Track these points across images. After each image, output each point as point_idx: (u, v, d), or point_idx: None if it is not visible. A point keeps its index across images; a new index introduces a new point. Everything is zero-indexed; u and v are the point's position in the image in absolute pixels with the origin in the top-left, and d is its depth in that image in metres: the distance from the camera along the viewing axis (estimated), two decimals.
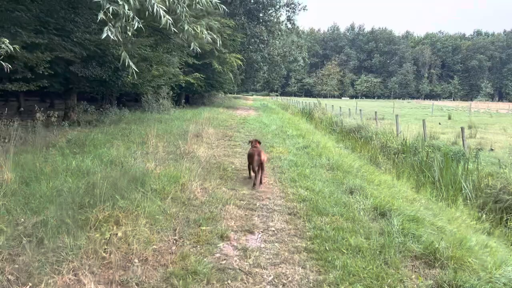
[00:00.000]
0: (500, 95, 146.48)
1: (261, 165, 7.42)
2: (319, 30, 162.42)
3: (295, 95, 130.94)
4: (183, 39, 4.37)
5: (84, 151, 10.00)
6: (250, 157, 7.70)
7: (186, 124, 16.89)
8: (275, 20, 37.82)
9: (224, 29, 29.38)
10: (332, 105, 32.44)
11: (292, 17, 40.19)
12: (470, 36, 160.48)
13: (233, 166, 9.12)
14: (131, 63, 6.04)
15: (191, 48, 4.69)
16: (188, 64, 28.51)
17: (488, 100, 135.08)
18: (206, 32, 4.42)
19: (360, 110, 25.29)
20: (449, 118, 33.44)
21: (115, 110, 20.67)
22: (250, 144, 8.76)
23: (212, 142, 12.57)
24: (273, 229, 5.13)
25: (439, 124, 21.38)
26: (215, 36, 4.68)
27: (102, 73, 15.01)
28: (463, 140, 12.90)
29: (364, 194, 6.84)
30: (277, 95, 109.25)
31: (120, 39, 5.25)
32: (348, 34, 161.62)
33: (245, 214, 5.64)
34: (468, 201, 8.28)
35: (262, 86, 66.73)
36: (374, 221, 5.63)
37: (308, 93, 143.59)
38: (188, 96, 40.86)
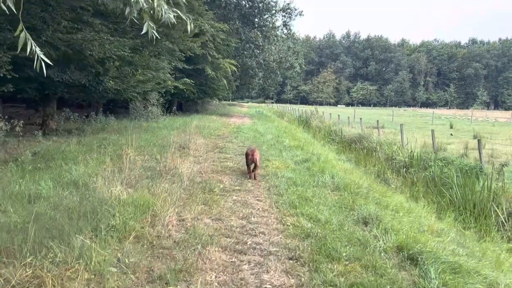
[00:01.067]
0: (496, 104, 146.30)
1: (254, 163, 8.90)
2: (314, 37, 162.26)
3: (291, 103, 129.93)
4: (132, 17, 2.67)
5: (50, 166, 8.61)
6: (248, 156, 9.09)
7: (173, 133, 15.51)
8: (271, 25, 36.67)
9: (217, 34, 28.18)
10: (330, 113, 31.22)
11: (288, 22, 39.12)
12: (465, 45, 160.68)
13: (221, 186, 7.73)
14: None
15: (143, 31, 3.18)
16: (179, 69, 27.20)
17: (484, 109, 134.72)
18: (165, 7, 2.96)
19: (361, 118, 24.05)
20: (451, 127, 32.28)
21: (100, 118, 19.29)
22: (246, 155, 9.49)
23: (200, 155, 11.18)
24: (269, 287, 3.74)
25: (451, 135, 19.99)
26: (183, 16, 3.19)
27: (82, 77, 13.63)
28: (480, 154, 11.62)
29: (381, 225, 5.48)
30: (272, 102, 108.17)
31: None
32: (343, 41, 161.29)
33: (231, 261, 4.23)
34: (503, 230, 6.94)
35: (258, 93, 65.56)
36: (402, 269, 4.27)
37: (304, 101, 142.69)
38: (181, 103, 39.49)
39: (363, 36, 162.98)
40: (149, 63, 15.65)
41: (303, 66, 52.60)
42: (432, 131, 14.45)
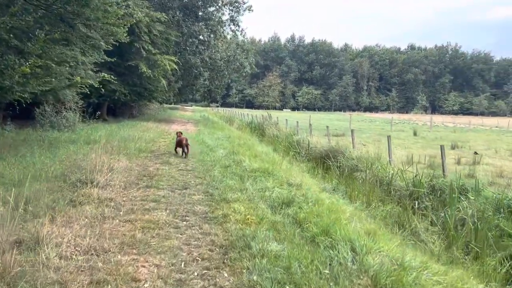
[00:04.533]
0: (433, 108, 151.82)
1: (186, 146, 12.36)
2: (260, 40, 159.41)
3: (236, 106, 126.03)
4: None
5: None
6: (180, 142, 12.65)
7: (83, 151, 10.79)
8: (217, 19, 32.34)
9: (153, 24, 23.50)
10: (286, 119, 27.46)
11: (236, 17, 34.96)
12: (405, 50, 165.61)
13: None
14: None
15: None
16: (107, 66, 22.15)
17: (422, 113, 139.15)
18: None
19: (327, 127, 20.44)
20: (415, 134, 29.76)
21: None
22: (177, 135, 13.32)
23: (111, 197, 6.66)
24: None
25: (475, 153, 16.73)
26: None
27: None
28: None
29: None
30: (217, 106, 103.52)
31: None
32: (288, 45, 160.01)
33: None
34: None
35: (202, 96, 60.76)
36: None
37: (250, 104, 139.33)
38: (113, 107, 34.03)
39: (308, 40, 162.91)
40: (47, 51, 10.80)
41: (254, 66, 48.50)
42: (442, 147, 10.90)
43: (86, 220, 5.31)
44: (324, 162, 14.20)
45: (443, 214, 7.92)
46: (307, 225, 5.59)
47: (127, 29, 14.52)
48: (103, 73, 13.92)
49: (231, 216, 5.93)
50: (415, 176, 9.94)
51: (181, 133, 13.40)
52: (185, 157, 12.04)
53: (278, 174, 9.37)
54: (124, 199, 6.69)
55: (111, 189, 7.18)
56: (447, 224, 7.27)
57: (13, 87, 10.17)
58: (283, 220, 5.85)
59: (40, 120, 17.09)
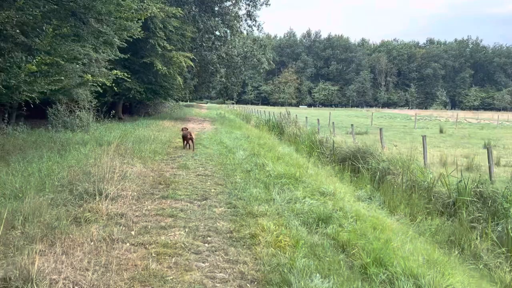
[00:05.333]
0: (453, 104, 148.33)
1: (191, 139, 13.26)
2: (275, 36, 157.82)
3: (252, 103, 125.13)
4: None
5: None
6: (185, 136, 13.45)
7: (95, 155, 10.03)
8: (233, 14, 31.41)
9: (169, 20, 22.72)
10: (306, 117, 26.43)
11: (253, 12, 33.95)
12: (423, 45, 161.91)
13: None
14: None
15: None
16: (120, 63, 21.52)
17: (442, 109, 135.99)
18: None
19: (352, 125, 19.38)
20: (441, 131, 28.41)
21: (3, 128, 13.57)
22: (182, 131, 14.06)
23: (122, 211, 5.83)
24: None
25: None
26: None
27: None
28: None
29: None
30: (233, 103, 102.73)
31: None
32: (304, 40, 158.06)
33: None
34: None
35: (218, 93, 60.01)
36: None
37: (265, 101, 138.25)
38: (128, 106, 33.53)
39: (324, 35, 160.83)
40: (55, 48, 10.06)
41: (271, 62, 47.30)
42: (489, 149, 9.77)
43: (92, 244, 4.49)
44: (351, 163, 13.20)
45: (500, 228, 6.92)
46: (352, 250, 4.66)
47: (141, 24, 13.74)
48: (115, 71, 13.12)
49: (260, 237, 5.04)
50: (459, 182, 8.89)
51: (186, 129, 14.24)
52: (192, 150, 13.10)
53: (306, 181, 8.45)
54: (136, 214, 5.86)
55: (122, 201, 6.36)
56: (509, 241, 6.26)
57: (20, 86, 9.45)
58: (322, 242, 4.93)
59: (53, 120, 16.46)
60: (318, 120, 22.71)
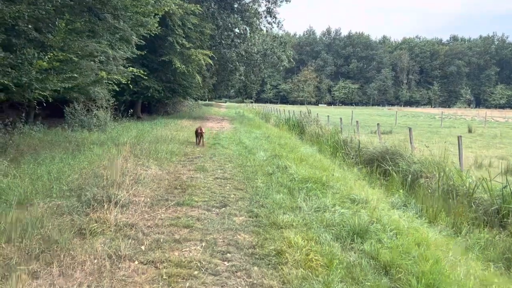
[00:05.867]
0: (478, 102, 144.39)
1: (201, 134, 13.70)
2: (294, 34, 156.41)
3: (271, 102, 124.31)
4: None
5: None
6: (195, 132, 14.04)
7: (110, 155, 9.53)
8: (253, 11, 30.76)
9: (188, 17, 22.25)
10: (328, 116, 25.59)
11: (273, 9, 33.23)
12: (447, 42, 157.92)
13: None
14: None
15: None
16: (138, 61, 21.16)
17: (465, 107, 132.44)
18: None
19: (378, 124, 18.47)
20: (470, 131, 27.17)
21: (21, 127, 13.28)
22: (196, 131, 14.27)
23: (133, 222, 5.25)
24: None
25: None
26: None
27: None
28: None
29: None
30: (251, 102, 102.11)
31: None
32: (324, 38, 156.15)
33: None
34: None
35: (237, 91, 59.50)
36: None
37: (284, 100, 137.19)
38: (147, 105, 33.27)
39: (344, 33, 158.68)
40: (69, 44, 9.60)
41: (292, 60, 46.41)
42: None
43: (95, 262, 3.92)
44: (379, 165, 12.39)
45: None
46: (398, 274, 3.96)
47: (158, 20, 13.24)
48: (131, 68, 12.64)
49: (287, 254, 4.39)
50: (504, 187, 8.05)
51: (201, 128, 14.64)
52: (203, 145, 13.67)
53: (334, 186, 7.74)
54: (148, 223, 5.28)
55: (134, 208, 5.80)
56: None
57: (32, 84, 9.02)
58: (360, 262, 4.24)
59: (70, 120, 16.15)
60: (341, 119, 21.85)
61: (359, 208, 6.32)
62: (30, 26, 9.24)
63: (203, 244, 4.66)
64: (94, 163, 8.63)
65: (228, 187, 7.75)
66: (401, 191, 9.27)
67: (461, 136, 11.48)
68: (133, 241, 4.59)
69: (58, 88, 10.04)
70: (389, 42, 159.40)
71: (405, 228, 5.54)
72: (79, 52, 10.08)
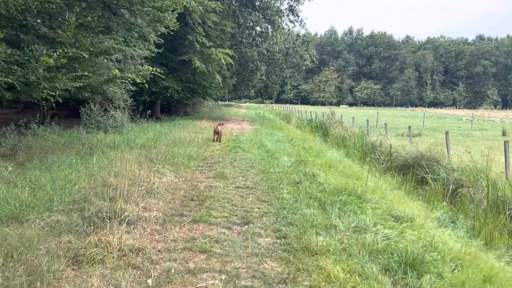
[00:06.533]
0: (505, 103, 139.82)
1: (219, 132, 14.66)
2: (316, 34, 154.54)
3: (291, 103, 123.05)
4: None
5: None
6: (215, 129, 14.81)
7: (122, 159, 8.80)
8: (275, 9, 29.87)
9: (208, 15, 21.56)
10: (353, 117, 24.50)
11: (295, 7, 32.27)
12: (472, 41, 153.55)
13: None
14: None
15: None
16: (157, 60, 20.59)
17: (492, 108, 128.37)
18: None
19: (409, 127, 17.36)
20: (504, 134, 25.65)
21: (35, 128, 12.81)
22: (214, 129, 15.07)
23: (141, 247, 4.45)
24: None
25: None
26: None
27: None
28: None
29: None
30: (271, 103, 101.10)
31: None
32: (346, 38, 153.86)
33: None
34: None
35: (257, 92, 58.63)
36: None
37: (305, 101, 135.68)
38: (166, 105, 32.78)
39: (366, 32, 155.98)
40: (80, 40, 8.93)
41: (315, 59, 45.25)
42: None
43: None
44: (411, 172, 11.35)
45: None
46: None
47: (176, 15, 12.52)
48: (146, 66, 11.94)
49: None
50: None
51: (222, 124, 15.92)
52: (219, 141, 14.67)
53: (372, 199, 6.79)
54: (158, 247, 4.47)
55: (143, 226, 5.02)
56: None
57: (40, 82, 8.37)
58: None
59: (86, 120, 15.60)
60: (367, 121, 20.80)
61: (404, 227, 5.38)
62: (39, 20, 8.63)
63: (223, 277, 3.82)
64: (105, 169, 7.91)
65: (250, 199, 6.91)
66: (444, 203, 8.27)
67: (507, 142, 10.34)
68: (138, 273, 3.78)
69: (69, 88, 9.39)
70: (412, 41, 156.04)
71: (463, 255, 4.59)
72: (92, 49, 9.40)
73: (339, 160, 12.05)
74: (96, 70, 10.38)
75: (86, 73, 8.97)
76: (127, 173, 7.23)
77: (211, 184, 7.82)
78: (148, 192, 6.48)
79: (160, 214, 5.56)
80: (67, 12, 8.56)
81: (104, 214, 4.96)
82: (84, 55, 8.64)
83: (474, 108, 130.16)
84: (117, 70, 9.39)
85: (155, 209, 5.77)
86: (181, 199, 6.54)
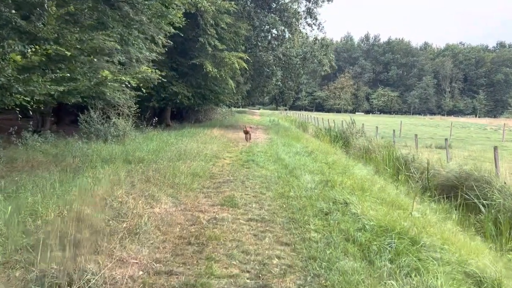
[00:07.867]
0: None
1: (248, 134, 17.67)
2: (332, 40, 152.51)
3: (306, 109, 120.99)
4: None
5: None
6: (246, 131, 17.83)
7: (111, 180, 7.23)
8: (292, 11, 28.30)
9: (221, 16, 20.07)
10: (377, 127, 22.65)
11: (313, 9, 30.63)
12: (493, 48, 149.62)
13: None
14: None
15: None
16: (167, 64, 19.15)
17: None
18: None
19: (446, 139, 15.48)
20: None
21: (29, 136, 11.49)
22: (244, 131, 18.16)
23: None
24: None
25: None
26: None
27: None
28: None
29: None
30: (286, 109, 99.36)
31: None
32: (362, 44, 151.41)
33: None
34: None
35: (272, 98, 56.96)
36: None
37: (320, 108, 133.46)
38: (177, 112, 31.40)
39: (383, 39, 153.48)
40: (65, 35, 7.41)
41: (334, 64, 43.46)
42: None
43: None
44: (460, 195, 9.54)
45: None
46: None
47: (183, 11, 11.00)
48: (143, 67, 10.43)
49: None
50: None
51: (251, 127, 19.37)
52: (249, 141, 17.67)
53: (432, 244, 5.04)
54: None
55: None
56: None
57: (12, 85, 6.86)
58: None
59: (84, 128, 14.16)
60: (394, 131, 18.96)
61: None
62: (13, 11, 7.14)
63: None
64: (85, 194, 6.32)
65: (267, 240, 5.23)
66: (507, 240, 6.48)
67: None
68: None
69: (52, 92, 7.87)
70: (431, 48, 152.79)
71: None
72: (79, 47, 7.88)
73: (370, 179, 10.27)
74: (88, 72, 8.86)
75: (69, 75, 7.42)
76: (110, 202, 5.65)
77: (217, 216, 6.17)
78: (132, 231, 4.87)
79: (140, 273, 3.92)
80: (46, 0, 7.03)
81: (54, 279, 3.33)
82: (67, 52, 7.11)
83: (495, 116, 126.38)
84: (107, 72, 7.83)
85: (135, 261, 4.14)
86: (175, 243, 4.89)
